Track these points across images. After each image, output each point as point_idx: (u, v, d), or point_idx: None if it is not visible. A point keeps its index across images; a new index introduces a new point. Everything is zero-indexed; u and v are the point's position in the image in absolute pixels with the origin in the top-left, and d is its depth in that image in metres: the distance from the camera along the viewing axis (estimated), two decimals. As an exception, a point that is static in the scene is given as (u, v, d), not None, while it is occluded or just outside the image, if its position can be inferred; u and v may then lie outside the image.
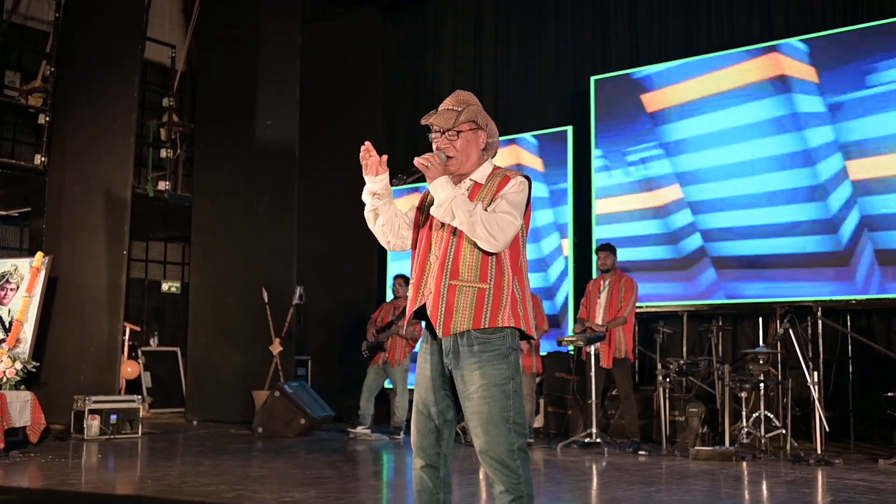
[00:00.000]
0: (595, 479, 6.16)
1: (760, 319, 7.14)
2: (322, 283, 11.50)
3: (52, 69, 9.80)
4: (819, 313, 7.52)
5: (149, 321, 12.60)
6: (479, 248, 2.91)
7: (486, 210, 2.92)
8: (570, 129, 9.97)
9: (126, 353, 10.16)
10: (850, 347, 7.88)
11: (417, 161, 2.95)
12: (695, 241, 8.83)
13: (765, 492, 5.57)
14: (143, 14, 9.75)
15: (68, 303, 9.04)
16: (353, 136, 11.58)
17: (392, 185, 3.09)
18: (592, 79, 9.79)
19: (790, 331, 6.80)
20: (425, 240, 3.07)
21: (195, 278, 11.05)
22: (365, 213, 3.19)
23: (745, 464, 6.59)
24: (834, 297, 7.82)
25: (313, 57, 11.10)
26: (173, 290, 13.10)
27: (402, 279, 9.15)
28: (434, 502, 3.02)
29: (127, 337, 10.08)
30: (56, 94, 9.73)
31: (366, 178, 3.12)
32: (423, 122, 3.10)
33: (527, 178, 3.03)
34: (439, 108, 3.10)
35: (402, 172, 3.02)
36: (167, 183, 10.96)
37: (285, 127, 10.49)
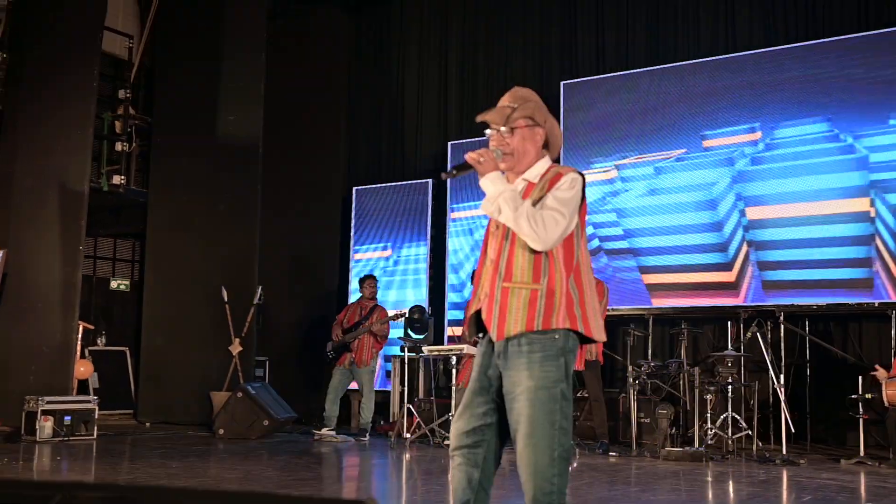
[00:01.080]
0: (575, 480, 6.12)
1: (729, 324, 7.24)
2: (281, 282, 11.28)
3: (4, 56, 9.43)
4: (782, 317, 7.66)
5: (96, 320, 12.20)
6: (531, 249, 2.82)
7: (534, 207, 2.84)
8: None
9: (78, 353, 9.81)
10: (807, 352, 8.06)
11: (469, 156, 2.87)
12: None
13: (745, 490, 5.61)
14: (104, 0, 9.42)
15: (19, 300, 8.70)
16: (316, 134, 11.51)
17: (442, 178, 3.01)
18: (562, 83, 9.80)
19: (758, 335, 6.90)
20: (486, 243, 3.04)
21: (150, 276, 10.74)
22: None
23: (714, 465, 6.70)
24: (796, 303, 7.96)
25: (279, 53, 10.87)
26: (122, 287, 12.72)
27: (373, 280, 9.04)
28: (465, 501, 2.89)
29: (80, 336, 9.73)
30: (7, 81, 9.36)
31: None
32: (479, 119, 3.00)
33: (580, 174, 2.93)
34: (497, 105, 3.01)
35: (453, 167, 2.93)
36: (122, 177, 10.62)
37: (249, 123, 10.24)
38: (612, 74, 9.55)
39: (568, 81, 9.78)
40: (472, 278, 3.09)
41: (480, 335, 2.99)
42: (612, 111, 9.36)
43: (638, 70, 9.37)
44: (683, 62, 9.12)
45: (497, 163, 2.90)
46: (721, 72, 8.77)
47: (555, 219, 2.78)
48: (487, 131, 2.96)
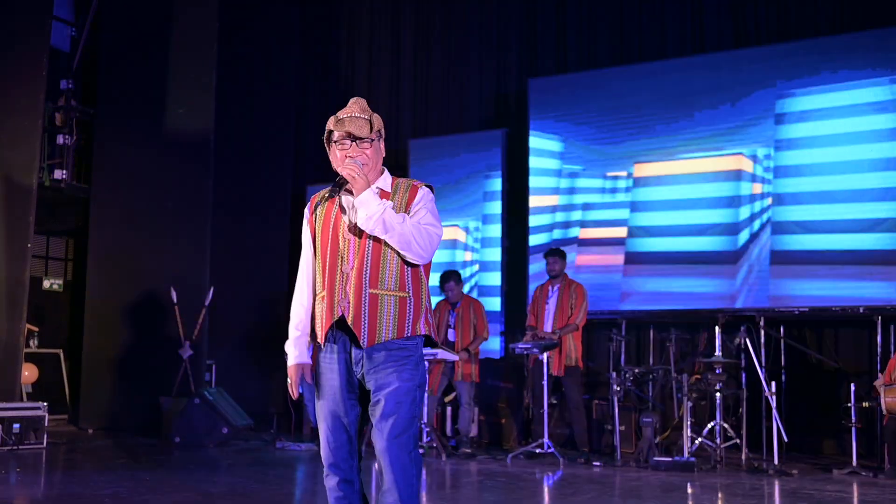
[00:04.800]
0: (563, 490, 6.07)
1: (718, 329, 7.23)
2: (227, 283, 10.91)
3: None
4: (762, 322, 7.68)
5: (28, 321, 11.59)
6: (400, 258, 2.94)
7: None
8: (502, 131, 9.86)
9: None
10: (783, 357, 8.12)
11: (348, 173, 2.90)
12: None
13: None
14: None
15: (-41, 300, 8.18)
16: (265, 130, 11.19)
17: (333, 194, 3.01)
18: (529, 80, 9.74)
19: (747, 341, 6.92)
20: (330, 250, 2.99)
21: (93, 276, 10.22)
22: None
23: (705, 475, 6.59)
24: (776, 308, 8.04)
25: (231, 45, 10.51)
26: (55, 287, 12.13)
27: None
28: None
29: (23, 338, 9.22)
30: (-55, 69, 8.79)
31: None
32: (336, 129, 2.99)
33: (430, 186, 3.08)
34: (343, 115, 3.02)
35: (336, 185, 2.98)
36: (64, 172, 10.12)
37: (199, 116, 9.85)
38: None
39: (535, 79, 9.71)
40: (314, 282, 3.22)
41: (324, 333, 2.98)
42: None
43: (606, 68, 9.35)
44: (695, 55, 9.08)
45: (367, 178, 2.93)
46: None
47: (436, 234, 2.97)
48: (339, 143, 2.98)
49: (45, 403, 7.99)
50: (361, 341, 2.90)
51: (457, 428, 8.31)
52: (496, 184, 9.80)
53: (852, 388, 6.80)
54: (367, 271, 2.92)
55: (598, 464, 7.12)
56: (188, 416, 8.44)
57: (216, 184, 9.91)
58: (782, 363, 8.07)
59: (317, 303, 3.02)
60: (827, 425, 7.81)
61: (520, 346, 7.57)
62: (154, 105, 10.01)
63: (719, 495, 5.87)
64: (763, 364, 7.30)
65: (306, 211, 3.12)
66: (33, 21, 8.64)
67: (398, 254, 2.92)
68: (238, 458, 7.51)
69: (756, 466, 6.75)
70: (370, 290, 2.91)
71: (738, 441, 7.00)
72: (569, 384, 7.60)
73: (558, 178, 9.37)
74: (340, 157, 2.97)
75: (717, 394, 6.93)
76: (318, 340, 3.00)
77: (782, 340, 8.09)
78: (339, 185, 2.97)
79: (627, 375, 7.44)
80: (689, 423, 6.94)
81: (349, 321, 2.91)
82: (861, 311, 7.70)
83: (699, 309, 8.35)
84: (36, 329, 10.05)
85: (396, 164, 10.56)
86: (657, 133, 8.90)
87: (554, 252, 7.92)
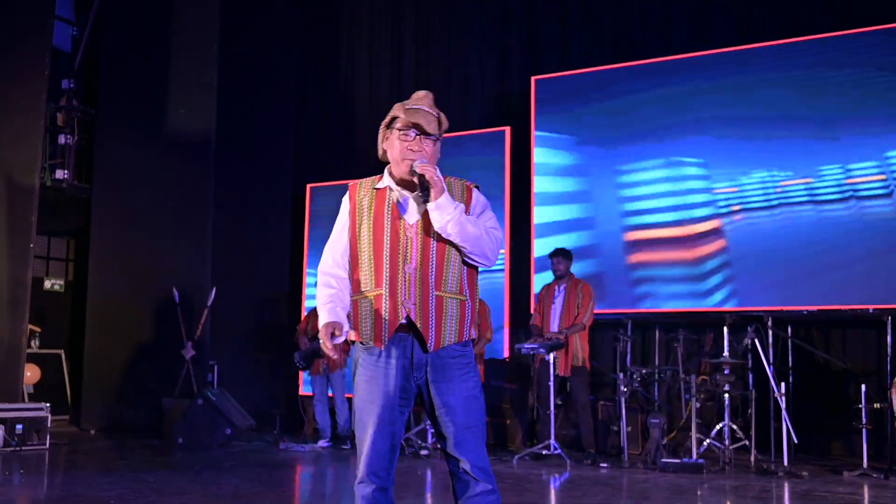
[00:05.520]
0: (572, 492, 6.02)
1: (726, 330, 7.17)
2: (228, 283, 10.85)
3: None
4: (770, 323, 7.62)
5: (29, 322, 11.54)
6: (463, 260, 2.87)
7: None
8: (507, 129, 9.79)
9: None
10: (790, 358, 8.07)
11: (430, 176, 2.77)
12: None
13: None
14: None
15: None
16: (266, 130, 11.13)
17: (425, 198, 2.82)
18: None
19: (756, 342, 6.85)
20: (389, 248, 2.86)
21: (95, 276, 10.17)
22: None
23: (714, 477, 6.53)
24: (785, 308, 7.98)
25: (232, 45, 10.45)
26: (56, 288, 12.08)
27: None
28: None
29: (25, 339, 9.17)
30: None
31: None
32: (404, 117, 2.86)
33: (478, 186, 3.03)
34: (415, 106, 2.88)
35: (419, 192, 2.82)
36: (65, 172, 10.06)
37: (200, 116, 9.83)
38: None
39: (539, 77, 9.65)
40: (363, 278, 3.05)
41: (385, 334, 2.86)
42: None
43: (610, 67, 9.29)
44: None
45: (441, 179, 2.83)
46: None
47: (500, 239, 2.93)
48: (403, 131, 2.85)
49: (48, 404, 7.93)
50: (429, 345, 2.80)
51: (462, 429, 8.23)
52: (500, 183, 9.73)
53: (863, 389, 6.73)
54: (433, 273, 2.82)
55: (605, 465, 7.06)
56: (190, 417, 8.39)
57: (217, 184, 9.88)
58: (790, 363, 8.02)
59: (362, 301, 2.88)
60: (835, 426, 7.75)
61: (526, 346, 7.51)
62: (155, 105, 9.99)
63: (730, 498, 5.82)
64: (771, 364, 7.22)
65: (346, 200, 2.97)
66: (35, 21, 8.61)
67: (460, 256, 2.85)
68: (241, 460, 7.45)
69: (765, 468, 6.69)
70: (436, 293, 2.82)
71: (747, 442, 6.93)
72: (576, 384, 7.54)
73: (563, 177, 9.31)
74: (400, 148, 2.85)
75: (726, 395, 6.86)
76: (369, 341, 2.85)
77: (790, 340, 8.03)
78: (424, 187, 2.79)
79: (635, 376, 7.37)
80: (696, 424, 6.89)
81: (417, 323, 2.80)
82: (871, 311, 7.64)
83: (705, 309, 8.29)
84: (38, 329, 10.00)
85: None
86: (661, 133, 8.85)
87: (559, 252, 7.86)
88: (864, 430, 6.67)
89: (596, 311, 7.86)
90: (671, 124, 8.81)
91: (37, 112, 8.39)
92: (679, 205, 8.68)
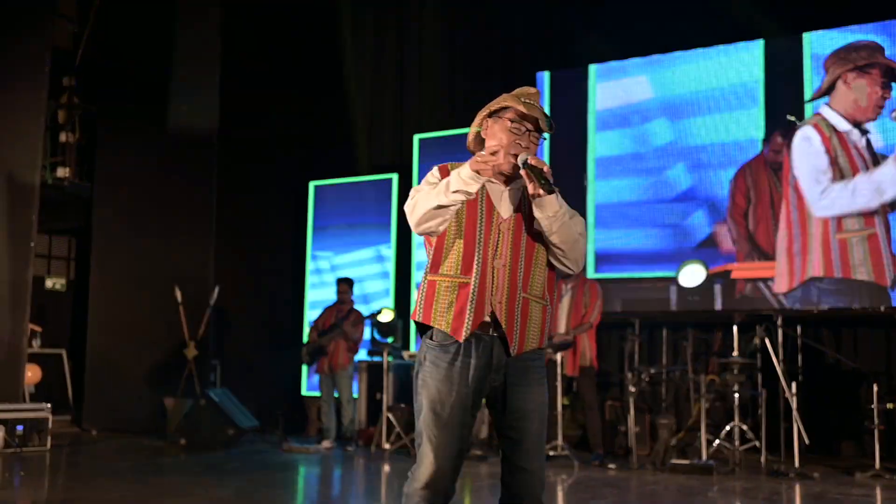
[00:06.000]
0: (580, 494, 5.94)
1: (735, 328, 7.07)
2: (232, 282, 10.77)
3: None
4: (780, 322, 7.52)
5: (30, 321, 11.45)
6: (547, 263, 2.75)
7: None
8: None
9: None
10: (799, 357, 7.97)
11: (548, 170, 2.62)
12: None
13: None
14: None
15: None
16: (269, 127, 11.03)
17: (550, 189, 2.64)
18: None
19: (766, 341, 6.76)
20: (482, 238, 2.70)
21: (96, 275, 10.08)
22: (437, 204, 2.65)
23: (724, 478, 6.43)
24: (796, 308, 7.89)
25: (235, 41, 10.35)
26: (58, 287, 12.00)
27: (346, 283, 8.68)
28: None
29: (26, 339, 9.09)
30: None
31: (470, 178, 2.61)
32: (516, 108, 2.71)
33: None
34: (530, 100, 2.73)
35: (549, 180, 2.63)
36: (66, 170, 9.98)
37: (204, 114, 9.75)
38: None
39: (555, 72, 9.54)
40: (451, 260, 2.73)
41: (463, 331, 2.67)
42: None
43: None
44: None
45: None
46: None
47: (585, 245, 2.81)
48: (516, 124, 2.71)
49: (49, 404, 7.85)
50: (512, 348, 2.66)
51: (467, 429, 8.15)
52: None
53: (874, 389, 6.64)
54: (521, 272, 2.69)
55: (613, 466, 6.97)
56: (193, 417, 8.29)
57: (220, 182, 9.80)
58: (799, 363, 7.92)
59: (444, 284, 2.70)
60: (845, 427, 7.65)
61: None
62: (157, 102, 9.90)
63: (742, 500, 5.73)
64: (779, 364, 7.12)
65: (437, 173, 2.76)
66: (36, 18, 8.51)
67: (546, 259, 2.73)
68: (245, 461, 7.37)
69: (776, 469, 6.60)
70: (522, 294, 2.69)
71: (757, 443, 6.83)
72: (583, 384, 7.44)
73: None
74: (508, 140, 2.70)
75: (735, 395, 6.77)
76: (446, 329, 2.66)
77: (799, 340, 7.93)
78: (546, 180, 2.60)
79: (642, 376, 7.28)
80: (705, 424, 6.80)
81: (503, 323, 2.65)
82: (882, 310, 7.55)
83: (714, 309, 8.20)
84: (38, 329, 9.92)
85: (401, 160, 10.45)
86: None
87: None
88: (875, 431, 6.59)
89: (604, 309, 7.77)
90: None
91: (37, 109, 8.29)
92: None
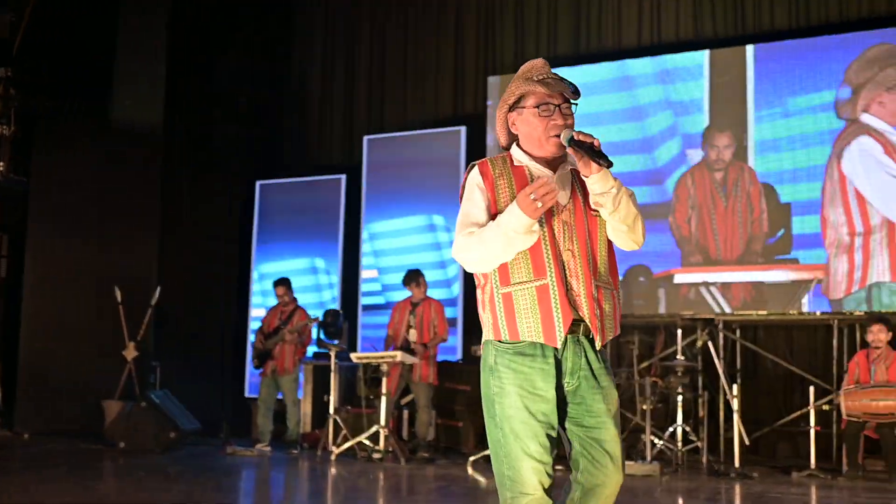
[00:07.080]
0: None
1: (680, 332, 7.19)
2: (175, 282, 10.56)
3: None
4: (721, 326, 7.67)
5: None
6: (609, 245, 2.58)
7: None
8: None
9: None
10: (738, 360, 8.14)
11: (598, 143, 2.43)
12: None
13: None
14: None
15: None
16: (214, 123, 10.86)
17: (600, 169, 2.44)
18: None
19: (709, 343, 6.89)
20: (546, 234, 2.51)
21: (31, 273, 9.77)
22: (514, 251, 2.48)
23: (669, 479, 6.52)
24: (740, 312, 8.04)
25: (182, 36, 10.15)
26: (-13, 285, 11.60)
27: (283, 283, 8.57)
28: None
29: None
30: None
31: (526, 228, 2.43)
32: (538, 91, 2.52)
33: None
34: (545, 76, 2.53)
35: (595, 158, 2.41)
36: (1, 164, 9.65)
37: (148, 109, 9.55)
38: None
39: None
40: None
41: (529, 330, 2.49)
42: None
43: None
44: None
45: None
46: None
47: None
48: (549, 106, 2.52)
49: (-18, 407, 7.59)
50: (597, 341, 2.51)
51: (414, 431, 8.14)
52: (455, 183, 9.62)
53: (811, 391, 6.83)
54: (591, 260, 2.51)
55: (558, 468, 6.99)
56: (133, 420, 8.12)
57: (164, 179, 9.61)
58: (737, 366, 8.10)
59: (520, 293, 2.48)
60: (782, 428, 7.85)
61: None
62: (100, 96, 9.69)
63: (686, 500, 5.82)
64: (721, 367, 7.26)
65: (477, 175, 2.56)
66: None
67: (609, 239, 2.55)
68: (188, 464, 7.23)
69: (717, 469, 6.74)
70: (595, 282, 2.50)
71: (699, 444, 6.97)
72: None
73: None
74: (543, 126, 2.50)
75: (679, 396, 6.89)
76: (537, 339, 2.46)
77: (738, 343, 8.10)
78: (600, 155, 2.39)
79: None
80: (649, 426, 6.89)
81: (586, 318, 2.47)
82: (818, 314, 7.75)
83: (659, 313, 8.32)
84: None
85: (350, 160, 10.39)
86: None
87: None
88: (811, 432, 6.77)
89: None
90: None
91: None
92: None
